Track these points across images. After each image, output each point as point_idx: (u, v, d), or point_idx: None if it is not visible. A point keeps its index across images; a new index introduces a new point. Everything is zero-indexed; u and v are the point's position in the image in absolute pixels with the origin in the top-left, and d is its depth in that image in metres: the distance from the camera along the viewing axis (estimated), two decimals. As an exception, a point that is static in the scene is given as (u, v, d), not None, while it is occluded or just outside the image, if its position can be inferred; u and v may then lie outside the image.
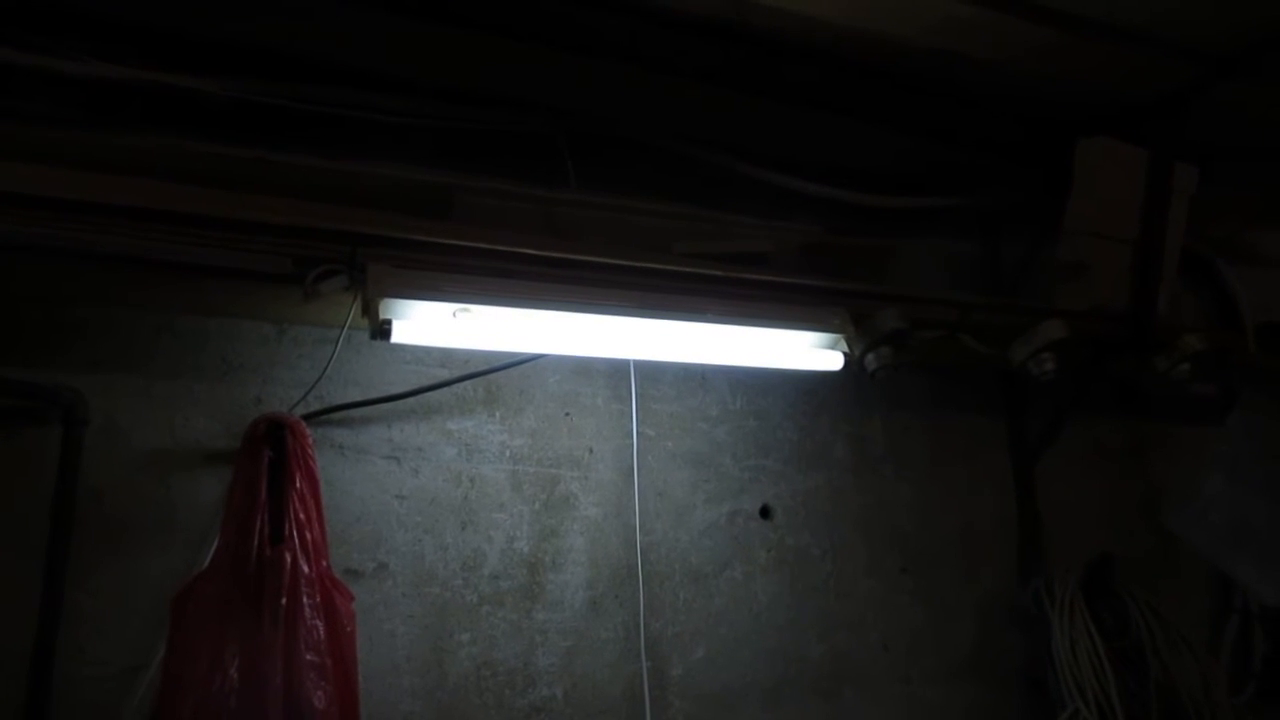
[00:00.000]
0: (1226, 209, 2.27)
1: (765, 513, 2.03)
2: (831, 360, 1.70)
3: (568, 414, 1.89)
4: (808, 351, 1.70)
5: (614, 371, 1.93)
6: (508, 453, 1.82)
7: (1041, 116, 2.02)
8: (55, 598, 1.42)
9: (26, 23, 1.44)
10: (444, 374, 1.77)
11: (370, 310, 1.37)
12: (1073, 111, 2.00)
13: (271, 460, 1.47)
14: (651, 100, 1.79)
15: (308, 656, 1.36)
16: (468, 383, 1.80)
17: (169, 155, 1.46)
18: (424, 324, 1.42)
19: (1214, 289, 2.33)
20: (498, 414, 1.83)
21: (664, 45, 1.67)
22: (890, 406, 2.22)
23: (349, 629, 1.45)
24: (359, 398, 1.70)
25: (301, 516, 1.44)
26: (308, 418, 1.61)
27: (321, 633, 1.39)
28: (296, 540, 1.41)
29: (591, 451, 1.89)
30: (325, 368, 1.63)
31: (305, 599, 1.39)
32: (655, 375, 1.97)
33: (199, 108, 1.56)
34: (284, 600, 1.37)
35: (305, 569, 1.41)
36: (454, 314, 1.42)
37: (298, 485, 1.46)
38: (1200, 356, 1.99)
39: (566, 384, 1.90)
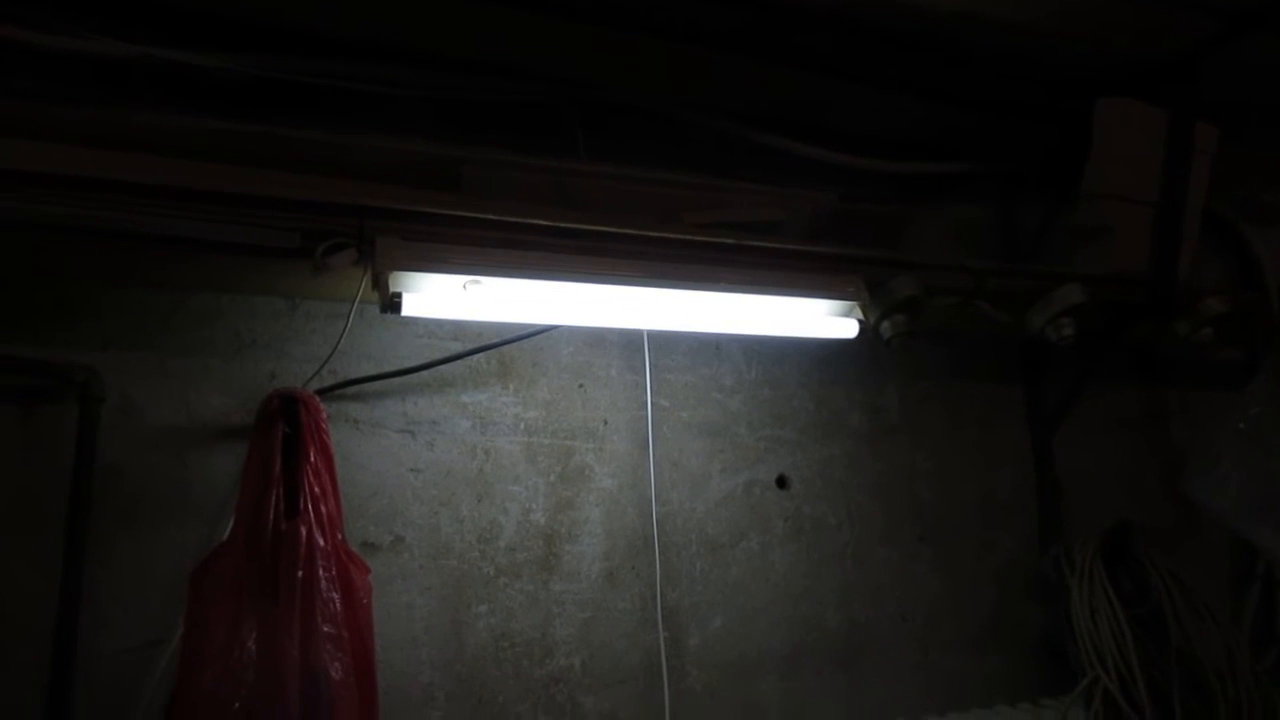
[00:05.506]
0: (1247, 169, 2.22)
1: (781, 482, 2.03)
2: (846, 328, 1.69)
3: (581, 385, 1.88)
4: (822, 319, 1.68)
5: (627, 342, 1.93)
6: (522, 425, 1.82)
7: (1060, 79, 1.99)
8: (75, 574, 1.43)
9: (31, 0, 1.44)
10: (457, 347, 1.77)
11: (380, 283, 1.37)
12: (1091, 72, 1.96)
13: (286, 435, 1.47)
14: (661, 68, 1.76)
15: (325, 629, 1.37)
16: (480, 355, 1.80)
17: (176, 132, 1.46)
18: (435, 296, 1.41)
19: (1236, 251, 2.30)
20: (511, 386, 1.82)
21: (673, 11, 1.65)
22: (906, 375, 2.20)
23: (365, 601, 1.46)
24: (372, 371, 1.70)
25: (316, 490, 1.44)
26: (321, 392, 1.61)
27: (338, 605, 1.40)
28: (312, 514, 1.42)
29: (606, 423, 1.89)
30: (337, 342, 1.63)
31: (321, 572, 1.39)
32: (669, 345, 1.96)
33: (206, 84, 1.56)
34: (300, 573, 1.37)
35: (321, 542, 1.41)
36: (464, 286, 1.41)
37: (312, 459, 1.46)
38: (1222, 320, 1.96)
39: (580, 355, 1.89)
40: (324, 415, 1.52)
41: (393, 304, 1.36)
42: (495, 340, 1.79)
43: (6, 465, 1.47)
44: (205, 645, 1.34)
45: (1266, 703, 2.03)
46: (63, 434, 1.47)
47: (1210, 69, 1.91)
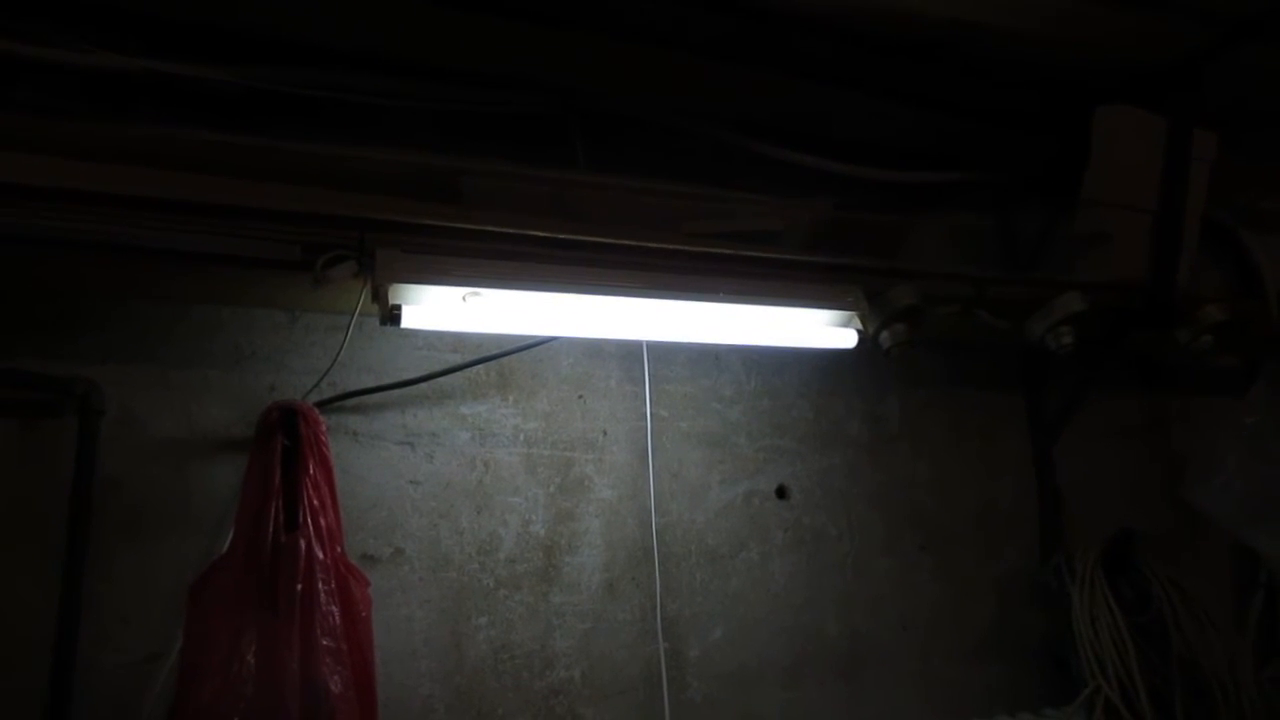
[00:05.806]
0: (1247, 176, 2.22)
1: (781, 493, 2.02)
2: (845, 338, 1.69)
3: (581, 396, 1.88)
4: (821, 329, 1.68)
5: (627, 353, 1.93)
6: (521, 436, 1.82)
7: (1058, 85, 1.98)
8: (75, 588, 1.43)
9: (28, 13, 1.44)
10: (456, 358, 1.77)
11: (380, 296, 1.37)
12: (1090, 79, 1.96)
13: (285, 448, 1.47)
14: (660, 78, 1.76)
15: (324, 642, 1.37)
16: (480, 367, 1.80)
17: (175, 144, 1.45)
18: (434, 309, 1.41)
19: (1235, 258, 2.29)
20: (511, 398, 1.82)
21: (670, 18, 1.65)
22: (906, 384, 2.20)
23: (365, 614, 1.46)
24: (372, 384, 1.70)
25: (315, 503, 1.44)
26: (321, 405, 1.61)
27: (337, 618, 1.40)
28: (311, 527, 1.42)
29: (605, 434, 1.89)
30: (337, 354, 1.63)
31: (320, 585, 1.39)
32: (668, 356, 1.96)
33: (204, 96, 1.55)
34: (299, 586, 1.37)
35: (320, 555, 1.41)
36: (464, 298, 1.41)
37: (311, 472, 1.46)
38: (1222, 327, 1.96)
39: (579, 366, 1.89)
40: (323, 427, 1.52)
41: (392, 316, 1.37)
42: (495, 352, 1.79)
43: (6, 478, 1.47)
44: (205, 659, 1.34)
45: (1270, 711, 2.03)
46: (62, 447, 1.48)
47: (1211, 76, 1.90)
